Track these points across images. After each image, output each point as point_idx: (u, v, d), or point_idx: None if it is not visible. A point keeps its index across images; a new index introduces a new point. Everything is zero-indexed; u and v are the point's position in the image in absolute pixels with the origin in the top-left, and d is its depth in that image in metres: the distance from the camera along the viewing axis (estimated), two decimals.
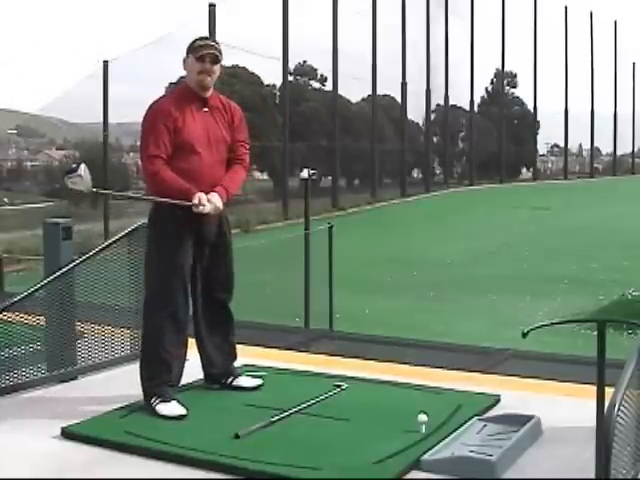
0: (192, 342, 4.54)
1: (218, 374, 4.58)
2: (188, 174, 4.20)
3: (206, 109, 4.34)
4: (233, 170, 4.43)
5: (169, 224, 4.23)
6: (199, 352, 4.57)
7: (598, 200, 30.74)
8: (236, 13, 24.63)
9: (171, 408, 4.11)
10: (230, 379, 4.57)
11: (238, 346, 4.69)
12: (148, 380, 4.23)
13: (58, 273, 4.72)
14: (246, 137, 4.54)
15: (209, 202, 4.16)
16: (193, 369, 4.58)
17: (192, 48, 4.34)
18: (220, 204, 4.22)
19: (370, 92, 32.52)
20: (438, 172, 39.94)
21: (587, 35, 44.71)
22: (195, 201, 4.12)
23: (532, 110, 44.15)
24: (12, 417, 4.15)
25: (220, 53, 4.35)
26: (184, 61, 4.38)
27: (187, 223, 4.22)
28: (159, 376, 4.21)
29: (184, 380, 4.54)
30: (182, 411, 4.10)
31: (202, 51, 4.29)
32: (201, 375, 4.64)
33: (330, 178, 29.99)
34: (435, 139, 39.87)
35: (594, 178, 46.06)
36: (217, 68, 4.35)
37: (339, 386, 4.54)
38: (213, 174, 4.30)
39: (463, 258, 17.00)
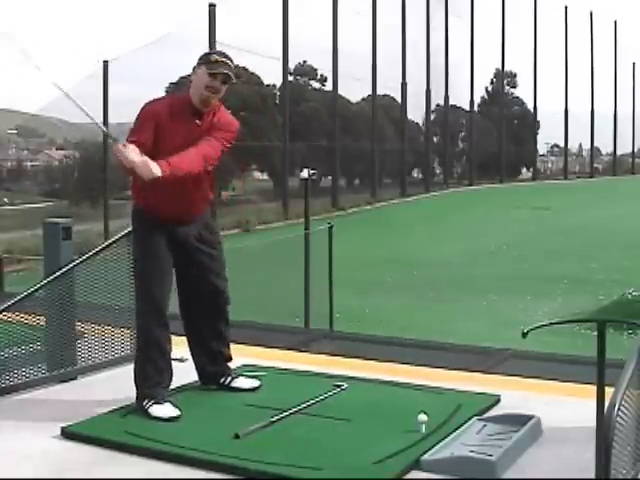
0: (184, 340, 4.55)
1: (212, 373, 4.56)
2: (160, 185, 4.04)
3: (199, 122, 4.19)
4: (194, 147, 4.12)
5: (144, 227, 4.25)
6: (191, 354, 4.57)
7: (598, 200, 30.76)
8: (236, 13, 24.65)
9: (164, 410, 4.08)
10: (228, 379, 4.56)
11: (238, 346, 4.69)
12: (141, 383, 4.21)
13: (58, 273, 4.72)
14: (222, 134, 4.24)
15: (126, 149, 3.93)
16: (192, 369, 4.58)
17: (207, 60, 4.19)
18: (134, 158, 3.90)
19: (370, 92, 32.54)
20: (438, 172, 39.96)
21: (587, 35, 44.75)
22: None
23: (532, 110, 44.17)
24: (12, 417, 4.15)
25: (233, 75, 4.20)
26: (194, 69, 4.23)
27: (159, 224, 4.20)
28: (152, 378, 4.20)
29: (184, 380, 4.55)
30: (175, 412, 4.07)
31: (216, 68, 4.15)
32: None
33: (330, 178, 30.01)
34: (435, 139, 39.90)
35: (594, 178, 46.08)
36: (224, 88, 4.21)
37: (339, 386, 4.54)
38: (187, 190, 4.17)
39: (463, 258, 17.01)
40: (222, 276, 4.45)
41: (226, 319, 4.52)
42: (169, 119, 4.15)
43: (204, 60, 4.22)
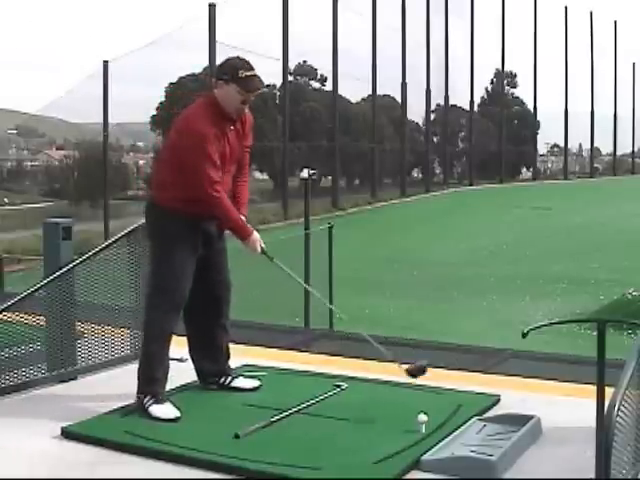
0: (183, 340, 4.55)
1: (212, 374, 4.56)
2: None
3: (232, 127, 4.28)
4: (242, 190, 4.44)
5: (177, 224, 4.20)
6: (190, 355, 4.57)
7: (598, 200, 30.76)
8: (236, 13, 24.69)
9: (163, 410, 4.08)
10: (228, 379, 4.55)
11: (239, 346, 4.69)
12: (148, 380, 4.20)
13: (58, 273, 4.72)
14: (251, 141, 4.49)
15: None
16: (193, 369, 4.57)
17: (239, 78, 4.15)
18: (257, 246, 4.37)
19: (370, 92, 32.54)
20: (438, 172, 39.96)
21: (587, 35, 44.73)
22: (251, 246, 4.31)
23: (532, 110, 44.15)
24: (12, 417, 4.15)
25: (263, 85, 4.34)
26: (220, 83, 4.18)
27: (193, 223, 4.22)
28: (155, 375, 4.19)
29: (184, 380, 4.55)
30: (175, 414, 4.06)
31: (252, 86, 4.19)
32: None
33: (330, 178, 30.00)
34: (435, 139, 39.89)
35: (594, 178, 46.07)
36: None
37: (339, 386, 4.54)
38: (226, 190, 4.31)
39: (463, 258, 17.01)
40: (227, 265, 4.57)
41: (227, 312, 4.54)
42: (220, 138, 4.18)
43: (233, 77, 4.16)
